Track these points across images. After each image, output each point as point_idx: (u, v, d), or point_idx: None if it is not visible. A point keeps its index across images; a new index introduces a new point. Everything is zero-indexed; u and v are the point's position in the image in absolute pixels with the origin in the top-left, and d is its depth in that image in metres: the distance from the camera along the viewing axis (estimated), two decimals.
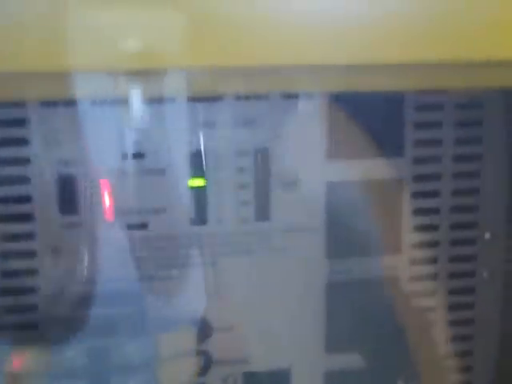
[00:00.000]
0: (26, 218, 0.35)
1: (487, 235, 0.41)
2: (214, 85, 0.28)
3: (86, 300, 0.36)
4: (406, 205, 0.40)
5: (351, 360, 0.40)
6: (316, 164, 0.38)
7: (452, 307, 0.41)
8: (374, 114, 0.38)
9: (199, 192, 0.37)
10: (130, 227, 0.36)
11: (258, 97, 0.36)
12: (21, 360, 0.36)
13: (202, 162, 0.37)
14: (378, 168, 0.39)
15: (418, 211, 0.40)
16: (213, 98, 0.36)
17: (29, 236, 0.35)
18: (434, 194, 0.40)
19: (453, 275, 0.41)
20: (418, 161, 0.39)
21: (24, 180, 0.35)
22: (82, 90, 0.26)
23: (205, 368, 0.39)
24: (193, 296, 0.38)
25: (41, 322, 0.36)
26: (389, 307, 0.40)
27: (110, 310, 0.37)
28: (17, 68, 0.23)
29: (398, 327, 0.40)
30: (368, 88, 0.28)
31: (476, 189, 0.40)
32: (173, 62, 0.24)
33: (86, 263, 0.36)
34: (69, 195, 0.35)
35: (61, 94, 0.29)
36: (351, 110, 0.37)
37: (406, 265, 0.40)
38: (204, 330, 0.38)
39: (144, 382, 0.38)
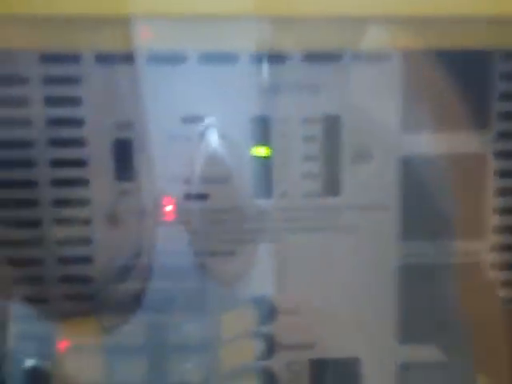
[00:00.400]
0: (81, 183, 0.34)
1: None
2: (278, 39, 0.26)
3: (141, 273, 0.35)
4: (490, 184, 0.37)
5: (426, 352, 0.37)
6: (391, 135, 0.35)
7: None
8: (455, 83, 0.35)
9: (263, 162, 0.35)
10: (189, 198, 0.34)
11: (329, 59, 0.34)
12: (72, 335, 0.35)
13: (266, 129, 0.34)
14: (458, 142, 0.36)
15: (503, 191, 0.37)
16: (280, 60, 0.34)
17: (83, 202, 0.34)
18: None
19: None
20: (504, 135, 0.36)
21: (78, 143, 0.34)
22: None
23: (268, 352, 0.37)
24: (255, 274, 0.36)
25: (95, 293, 0.35)
26: (468, 296, 0.37)
27: (167, 285, 0.35)
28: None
29: (477, 318, 0.37)
30: (452, 45, 0.26)
31: None
32: (236, 11, 0.23)
33: (142, 233, 0.34)
34: (125, 161, 0.34)
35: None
36: (431, 78, 0.35)
37: (488, 250, 0.37)
38: (267, 311, 0.36)
39: (203, 362, 0.36)
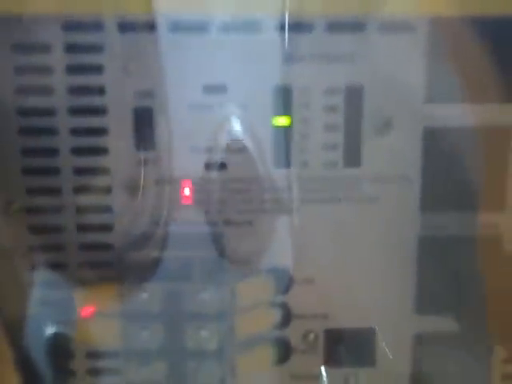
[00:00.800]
0: (101, 151, 0.34)
1: None
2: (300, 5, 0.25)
3: (159, 241, 0.35)
4: None
5: (443, 323, 0.37)
6: (414, 106, 0.35)
7: None
8: (486, 52, 0.34)
9: (283, 132, 0.34)
10: (208, 167, 0.34)
11: (353, 28, 0.33)
12: (91, 302, 0.35)
13: (288, 99, 0.34)
14: (483, 114, 0.35)
15: None
16: (303, 29, 0.33)
17: (103, 171, 0.34)
18: None
19: None
20: None
21: (99, 111, 0.33)
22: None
23: (284, 322, 0.37)
24: (272, 244, 0.36)
25: (114, 260, 0.35)
26: (486, 268, 0.37)
27: (184, 254, 0.35)
28: None
29: (496, 290, 0.37)
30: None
31: None
32: None
33: (161, 202, 0.34)
34: (145, 130, 0.34)
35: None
36: (457, 47, 0.34)
37: (509, 224, 0.37)
38: (284, 281, 0.36)
39: (219, 330, 0.36)
